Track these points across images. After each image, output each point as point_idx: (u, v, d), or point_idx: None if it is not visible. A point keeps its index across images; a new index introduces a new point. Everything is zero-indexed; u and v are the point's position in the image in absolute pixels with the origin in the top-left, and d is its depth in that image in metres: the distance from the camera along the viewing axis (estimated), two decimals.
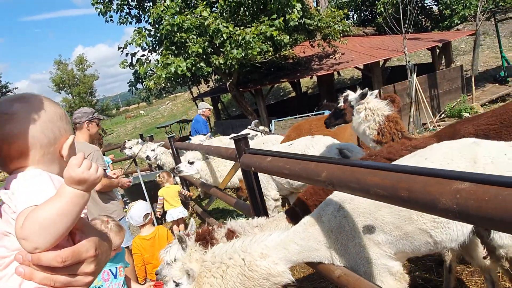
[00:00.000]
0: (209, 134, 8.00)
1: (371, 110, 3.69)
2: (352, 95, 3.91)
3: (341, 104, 3.99)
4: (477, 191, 1.20)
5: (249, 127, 8.02)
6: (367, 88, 3.83)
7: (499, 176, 1.19)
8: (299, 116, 9.36)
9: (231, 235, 3.00)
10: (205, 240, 2.95)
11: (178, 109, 35.19)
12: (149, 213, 4.04)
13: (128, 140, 9.98)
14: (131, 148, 8.97)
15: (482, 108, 10.43)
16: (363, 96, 3.75)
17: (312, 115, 9.24)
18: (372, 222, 2.19)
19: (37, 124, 0.97)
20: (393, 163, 2.65)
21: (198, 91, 17.80)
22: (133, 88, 10.95)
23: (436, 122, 10.32)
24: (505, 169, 2.00)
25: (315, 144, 4.66)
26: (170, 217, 6.29)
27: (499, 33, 14.52)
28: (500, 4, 12.07)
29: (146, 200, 7.32)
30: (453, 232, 2.11)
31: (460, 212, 1.23)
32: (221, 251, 2.48)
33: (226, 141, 6.99)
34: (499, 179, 1.17)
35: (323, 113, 8.84)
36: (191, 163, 5.07)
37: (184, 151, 7.37)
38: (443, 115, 11.05)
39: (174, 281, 2.56)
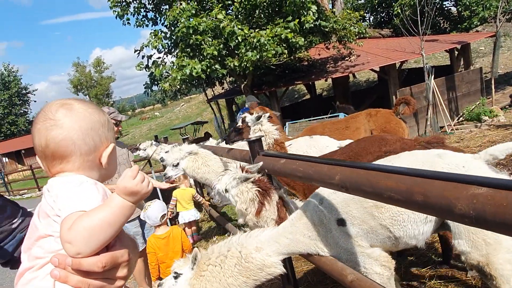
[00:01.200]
0: (219, 140, 8.04)
1: (264, 132, 4.26)
2: (249, 117, 4.58)
3: (240, 124, 4.64)
4: (494, 196, 1.17)
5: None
6: (262, 112, 4.48)
7: None
8: (313, 118, 9.31)
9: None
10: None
11: (193, 111, 35.47)
12: (165, 214, 4.09)
13: (142, 142, 10.12)
14: (145, 150, 9.06)
15: (502, 111, 10.18)
16: (258, 118, 4.35)
17: (326, 117, 9.18)
18: (344, 216, 2.39)
19: (80, 131, 1.00)
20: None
21: (212, 93, 17.91)
22: (149, 90, 11.08)
23: (454, 125, 10.11)
24: None
25: (316, 144, 4.68)
26: (182, 219, 6.33)
27: None
28: None
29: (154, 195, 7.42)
30: (409, 231, 2.29)
31: (476, 217, 1.21)
32: (219, 245, 2.63)
33: (240, 143, 7.00)
34: None
35: (338, 115, 8.77)
36: (176, 165, 4.73)
37: None
38: (461, 118, 10.83)
39: (175, 272, 2.63)
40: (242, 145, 6.26)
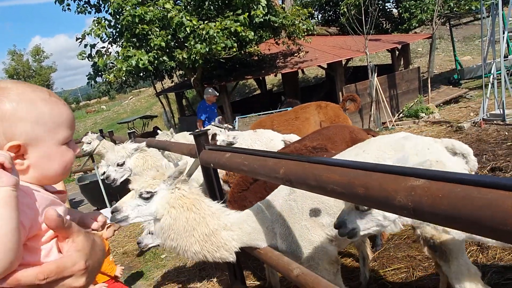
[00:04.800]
0: (172, 130, 7.79)
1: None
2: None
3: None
4: (431, 188, 1.19)
5: (213, 123, 7.89)
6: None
7: (453, 173, 1.19)
8: (263, 113, 9.34)
9: None
10: None
11: (142, 104, 34.22)
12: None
13: (85, 135, 9.52)
14: (90, 143, 8.43)
15: (437, 109, 10.90)
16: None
17: (275, 112, 9.26)
18: (319, 206, 2.38)
19: None
20: (336, 156, 2.78)
21: (162, 86, 17.36)
22: (92, 81, 10.45)
23: (394, 121, 10.67)
24: (426, 160, 2.23)
25: (260, 137, 4.70)
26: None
27: (453, 38, 15.26)
28: (454, 9, 12.66)
29: (104, 199, 7.00)
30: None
31: (414, 209, 1.22)
32: (202, 197, 2.59)
33: (190, 137, 6.83)
34: (453, 176, 1.17)
35: (287, 109, 8.88)
36: (121, 165, 4.23)
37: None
38: (401, 115, 11.45)
39: (146, 191, 2.44)
40: (192, 140, 6.11)
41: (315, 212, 2.35)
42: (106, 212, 3.86)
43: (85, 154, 9.01)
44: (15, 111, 0.85)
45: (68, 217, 0.92)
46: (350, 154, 2.51)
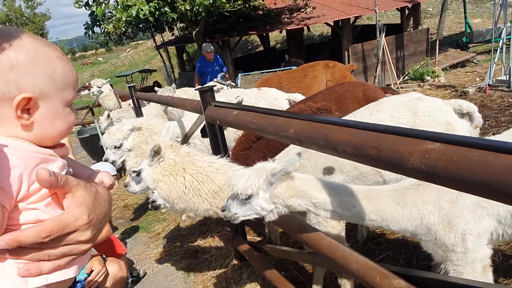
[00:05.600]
0: (174, 85, 7.66)
1: None
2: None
3: None
4: (446, 151, 1.19)
5: (215, 80, 7.77)
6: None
7: (470, 137, 1.18)
8: (266, 71, 9.17)
9: None
10: None
11: (140, 58, 33.46)
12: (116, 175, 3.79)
13: (89, 84, 9.29)
14: (100, 87, 8.04)
15: (443, 72, 10.72)
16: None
17: (279, 70, 9.09)
18: (332, 164, 2.40)
19: None
20: (347, 116, 2.77)
21: (162, 39, 16.86)
22: (90, 31, 10.14)
23: (399, 83, 10.52)
24: (437, 121, 2.39)
25: (265, 96, 4.64)
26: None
27: None
28: None
29: (103, 152, 7.01)
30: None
31: (428, 172, 1.23)
32: (197, 156, 2.58)
33: (191, 93, 6.75)
34: (469, 140, 1.16)
35: (291, 68, 8.72)
36: (118, 147, 4.19)
37: (146, 103, 7.07)
38: (406, 77, 11.28)
39: (133, 171, 2.62)
40: (193, 95, 6.03)
41: (328, 171, 2.38)
42: (99, 166, 3.87)
43: (85, 107, 8.94)
44: (30, 62, 0.82)
45: (64, 171, 0.90)
46: (363, 114, 2.51)
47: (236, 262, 3.74)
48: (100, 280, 2.56)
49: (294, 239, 3.63)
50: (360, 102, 3.27)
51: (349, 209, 1.82)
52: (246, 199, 1.93)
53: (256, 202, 1.93)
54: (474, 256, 1.76)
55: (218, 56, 9.08)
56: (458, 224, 1.74)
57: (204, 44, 8.85)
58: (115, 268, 2.78)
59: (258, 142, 3.55)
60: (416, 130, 1.34)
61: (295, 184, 1.89)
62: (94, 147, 6.66)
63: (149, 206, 2.66)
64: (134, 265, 4.18)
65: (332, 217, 1.90)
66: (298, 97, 4.49)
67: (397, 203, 1.78)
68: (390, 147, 1.35)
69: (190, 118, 4.59)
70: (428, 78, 10.27)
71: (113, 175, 3.77)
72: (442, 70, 10.92)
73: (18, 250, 0.74)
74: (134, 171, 2.59)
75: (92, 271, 2.52)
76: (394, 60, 10.76)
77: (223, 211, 2.07)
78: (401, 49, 11.30)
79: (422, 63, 11.15)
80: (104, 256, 2.80)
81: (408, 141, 1.31)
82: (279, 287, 2.88)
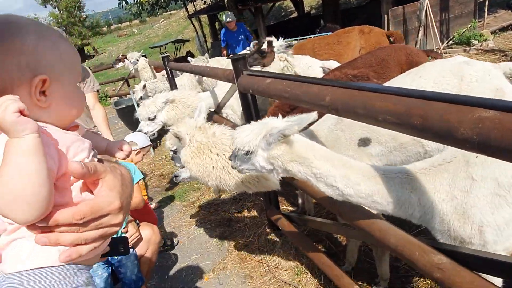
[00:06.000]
0: (207, 55, 7.59)
1: (288, 62, 3.90)
2: (277, 42, 4.19)
3: (264, 47, 4.16)
4: (503, 120, 1.07)
5: (248, 48, 7.62)
6: (294, 42, 4.20)
7: None
8: (300, 38, 8.87)
9: None
10: None
11: (173, 28, 33.52)
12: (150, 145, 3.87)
13: (123, 56, 9.38)
14: (137, 60, 8.11)
15: (492, 36, 9.92)
16: (289, 46, 4.01)
17: (314, 37, 8.76)
18: (369, 135, 2.28)
19: None
20: (387, 83, 2.61)
21: (194, 8, 16.69)
22: (123, 2, 10.18)
23: (443, 48, 9.87)
24: (486, 87, 2.21)
25: (298, 63, 4.47)
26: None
27: None
28: None
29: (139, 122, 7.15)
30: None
31: (480, 143, 1.11)
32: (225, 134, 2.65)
33: (224, 63, 6.67)
34: None
35: (326, 34, 8.38)
36: (152, 119, 4.21)
37: (179, 73, 7.09)
38: (451, 42, 10.55)
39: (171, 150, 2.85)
40: (226, 65, 5.95)
41: (364, 142, 2.27)
42: (134, 136, 3.92)
43: (121, 79, 9.07)
44: (38, 45, 0.82)
45: (92, 153, 0.90)
46: (404, 81, 2.34)
47: (269, 232, 3.77)
48: (133, 242, 2.67)
49: (328, 210, 3.59)
50: (403, 67, 3.06)
51: (352, 186, 1.68)
52: (245, 154, 1.87)
53: (255, 159, 1.86)
54: (495, 248, 1.60)
55: (242, 25, 8.86)
56: (474, 215, 1.58)
57: (224, 14, 8.68)
58: (149, 232, 2.89)
59: (292, 113, 3.46)
60: (467, 97, 1.21)
61: (296, 149, 1.76)
62: (130, 117, 6.79)
63: (173, 179, 2.78)
64: (169, 235, 4.32)
65: (332, 194, 1.77)
66: (333, 64, 4.30)
67: (405, 187, 1.64)
68: (437, 115, 1.24)
69: (222, 88, 4.54)
70: (475, 42, 9.54)
71: (147, 146, 3.85)
72: (491, 33, 10.10)
73: (57, 237, 0.77)
74: (171, 150, 2.80)
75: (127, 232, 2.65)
76: (437, 23, 10.05)
77: (230, 160, 2.05)
78: (445, 11, 10.50)
79: (469, 26, 10.35)
80: (137, 221, 2.91)
81: (458, 109, 1.19)
82: (312, 257, 2.87)
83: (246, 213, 4.31)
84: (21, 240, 0.79)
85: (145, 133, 4.19)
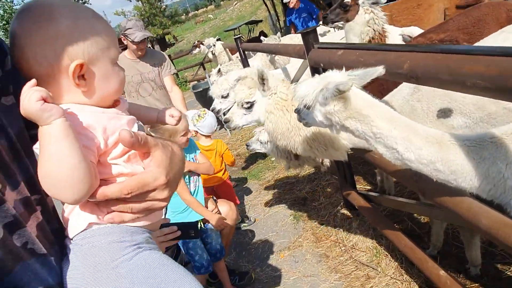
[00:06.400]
0: (279, 34, 7.50)
1: (375, 15, 3.54)
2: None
3: (347, 0, 3.77)
4: None
5: (321, 22, 7.33)
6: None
7: None
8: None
9: None
10: None
11: (246, 9, 33.74)
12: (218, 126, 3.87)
13: (198, 42, 9.69)
14: (214, 45, 8.35)
15: None
16: (375, 3, 3.58)
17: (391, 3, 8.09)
18: (450, 105, 2.04)
19: (31, 48, 0.79)
20: (477, 43, 2.27)
21: None
22: None
23: None
24: None
25: None
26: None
27: None
28: None
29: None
30: None
31: None
32: None
33: (297, 40, 6.52)
34: None
35: None
36: (225, 97, 4.23)
37: (252, 54, 7.12)
38: None
39: (245, 102, 2.67)
40: (299, 41, 5.81)
41: (444, 113, 2.03)
42: (192, 113, 3.93)
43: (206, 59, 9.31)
44: (73, 29, 0.81)
45: (136, 125, 0.91)
46: (495, 40, 2.02)
47: (345, 211, 3.66)
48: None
49: (410, 189, 3.35)
50: (503, 25, 2.62)
51: (413, 151, 1.52)
52: (306, 108, 1.79)
53: (313, 114, 1.78)
54: None
55: (305, 1, 8.48)
56: None
57: None
58: (226, 208, 2.99)
59: (370, 86, 3.25)
60: None
61: (355, 106, 1.62)
62: (207, 99, 7.06)
63: (247, 148, 2.73)
64: (246, 212, 4.44)
65: (391, 157, 1.62)
66: (415, 31, 3.89)
67: (472, 157, 1.40)
68: None
69: (294, 65, 4.45)
70: None
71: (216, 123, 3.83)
72: None
73: (107, 202, 0.82)
74: (247, 102, 2.65)
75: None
76: None
77: (296, 113, 1.99)
78: None
79: None
80: (215, 198, 3.02)
81: None
82: (392, 238, 2.71)
83: (321, 192, 4.23)
84: (76, 210, 0.85)
85: (218, 112, 4.29)
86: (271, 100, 2.55)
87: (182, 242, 2.70)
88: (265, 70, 2.54)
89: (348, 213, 3.60)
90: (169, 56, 16.88)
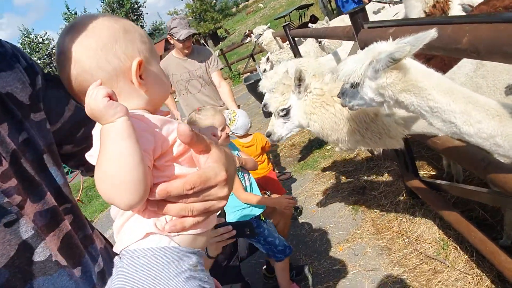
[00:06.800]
0: (327, 18, 7.21)
1: None
2: None
3: None
4: None
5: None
6: None
7: None
8: None
9: None
10: None
11: None
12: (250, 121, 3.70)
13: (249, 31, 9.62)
14: (262, 34, 8.25)
15: None
16: None
17: None
18: None
19: (90, 58, 0.81)
20: None
21: None
22: None
23: None
24: None
25: None
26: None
27: None
28: None
29: None
30: None
31: None
32: None
33: (348, 21, 6.22)
34: None
35: None
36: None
37: (303, 40, 6.92)
38: None
39: (281, 109, 2.52)
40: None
41: None
42: (244, 113, 3.78)
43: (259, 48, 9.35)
44: (123, 32, 0.85)
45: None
46: None
47: (407, 200, 3.42)
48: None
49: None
50: None
51: (472, 124, 1.39)
52: (352, 87, 1.67)
53: (363, 91, 1.65)
54: None
55: None
56: None
57: None
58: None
59: (429, 64, 2.97)
60: None
61: (410, 77, 1.48)
62: (259, 92, 7.04)
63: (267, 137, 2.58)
64: (302, 203, 4.36)
65: (447, 131, 1.49)
66: None
67: None
68: None
69: (345, 48, 4.24)
70: None
71: (249, 121, 3.71)
72: None
73: (165, 206, 0.78)
74: (282, 109, 2.51)
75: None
76: None
77: (339, 97, 1.87)
78: None
79: None
80: (268, 193, 2.98)
81: None
82: (460, 229, 2.47)
83: (381, 180, 4.00)
84: (129, 221, 0.82)
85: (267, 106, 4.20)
86: (307, 101, 2.41)
87: (258, 234, 2.70)
88: (303, 69, 2.41)
89: (411, 202, 3.36)
90: (221, 50, 17.19)
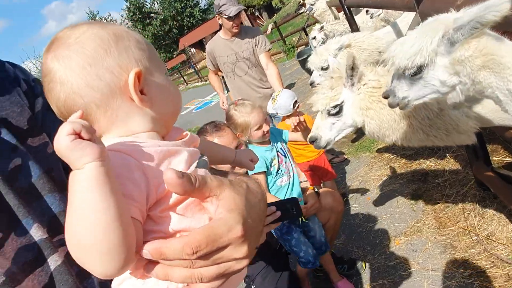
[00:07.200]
0: None
1: None
2: None
3: None
4: None
5: None
6: None
7: None
8: None
9: None
10: None
11: None
12: (297, 100, 3.37)
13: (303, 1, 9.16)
14: (313, 4, 7.82)
15: None
16: None
17: None
18: None
19: (78, 77, 0.67)
20: None
21: None
22: None
23: None
24: None
25: None
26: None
27: None
28: None
29: None
30: None
31: None
32: None
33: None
34: None
35: None
36: (325, 69, 3.60)
37: (361, 9, 6.38)
38: None
39: (331, 106, 2.19)
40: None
41: None
42: (288, 92, 3.46)
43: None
44: (117, 41, 0.71)
45: (195, 163, 0.70)
46: None
47: (477, 192, 3.03)
48: (312, 212, 2.56)
49: None
50: None
51: None
52: (415, 73, 1.41)
53: (432, 74, 1.39)
54: None
55: None
56: None
57: None
58: (330, 200, 2.72)
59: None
60: None
61: (491, 49, 1.22)
62: (307, 68, 6.67)
63: (311, 143, 2.29)
64: (355, 190, 4.10)
65: None
66: None
67: None
68: None
69: (405, 20, 3.79)
70: None
71: (294, 101, 3.42)
72: None
73: (167, 272, 0.61)
74: (335, 106, 2.17)
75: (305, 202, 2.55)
76: None
77: (386, 98, 1.63)
78: None
79: None
80: (316, 189, 2.77)
81: None
82: None
83: (446, 166, 3.60)
84: (130, 280, 0.67)
85: (312, 83, 3.92)
86: (361, 95, 2.11)
87: (284, 240, 2.55)
88: (356, 57, 2.08)
89: (482, 195, 2.97)
90: (275, 22, 16.68)
